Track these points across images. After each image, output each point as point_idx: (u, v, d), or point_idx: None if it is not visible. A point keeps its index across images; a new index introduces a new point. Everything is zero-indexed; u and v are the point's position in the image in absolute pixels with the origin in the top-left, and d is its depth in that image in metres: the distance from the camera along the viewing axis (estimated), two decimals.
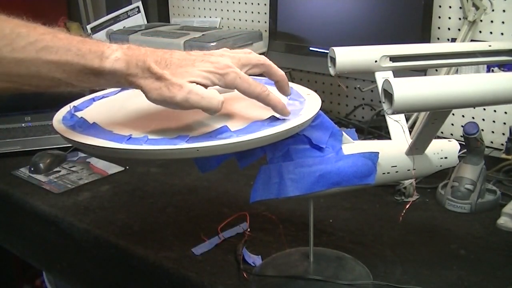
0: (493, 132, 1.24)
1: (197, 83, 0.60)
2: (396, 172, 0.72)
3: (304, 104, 0.69)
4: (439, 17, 1.27)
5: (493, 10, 1.17)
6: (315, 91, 0.75)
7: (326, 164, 0.67)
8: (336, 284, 0.73)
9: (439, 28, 1.27)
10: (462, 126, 1.15)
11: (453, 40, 1.25)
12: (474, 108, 1.24)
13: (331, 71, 0.80)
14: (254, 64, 0.65)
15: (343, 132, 0.71)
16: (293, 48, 1.44)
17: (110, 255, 0.89)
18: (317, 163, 0.67)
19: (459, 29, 1.23)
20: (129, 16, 1.77)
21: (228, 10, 1.74)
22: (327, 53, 0.80)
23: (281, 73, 0.67)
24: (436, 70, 1.23)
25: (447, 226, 0.90)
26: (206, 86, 0.61)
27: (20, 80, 0.60)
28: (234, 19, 1.73)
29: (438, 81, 0.62)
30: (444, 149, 0.75)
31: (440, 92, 0.60)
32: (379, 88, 0.62)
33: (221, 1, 1.75)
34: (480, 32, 1.20)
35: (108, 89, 0.73)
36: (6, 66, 0.59)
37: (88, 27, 1.73)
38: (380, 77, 0.78)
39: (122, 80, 0.61)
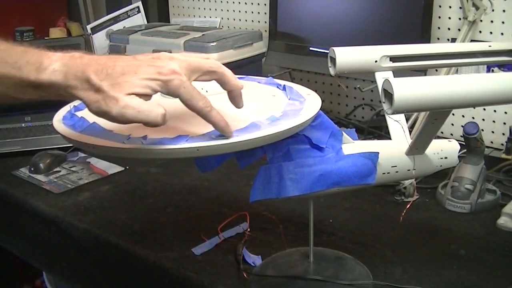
0: (493, 132, 1.24)
1: (136, 94, 0.56)
2: (396, 172, 0.72)
3: (304, 104, 0.69)
4: (439, 17, 1.27)
5: (493, 10, 1.17)
6: (315, 91, 0.75)
7: (326, 164, 0.67)
8: (336, 284, 0.73)
9: (439, 28, 1.27)
10: (462, 126, 1.15)
11: (453, 40, 1.25)
12: (474, 108, 1.24)
13: (331, 71, 0.80)
14: (205, 70, 0.61)
15: (343, 132, 0.71)
16: (293, 48, 1.44)
17: (110, 255, 0.89)
18: (317, 163, 0.67)
19: (459, 29, 1.23)
20: (129, 16, 1.77)
21: (228, 10, 1.74)
22: (327, 53, 0.80)
23: (234, 83, 0.63)
24: (436, 70, 1.23)
25: (447, 226, 0.90)
26: (147, 95, 0.57)
27: None
28: (234, 19, 1.73)
29: (438, 81, 0.62)
30: (444, 149, 0.75)
31: (440, 92, 0.60)
32: (379, 88, 0.62)
33: (221, 1, 1.75)
34: (480, 32, 1.20)
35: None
36: None
37: (88, 27, 1.73)
38: (380, 77, 0.78)
39: (62, 92, 0.58)
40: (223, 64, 0.63)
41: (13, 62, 0.57)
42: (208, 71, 0.61)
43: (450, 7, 1.25)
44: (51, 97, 0.59)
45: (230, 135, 0.60)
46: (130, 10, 1.77)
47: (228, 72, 0.63)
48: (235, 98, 0.64)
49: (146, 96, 0.57)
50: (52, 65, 0.57)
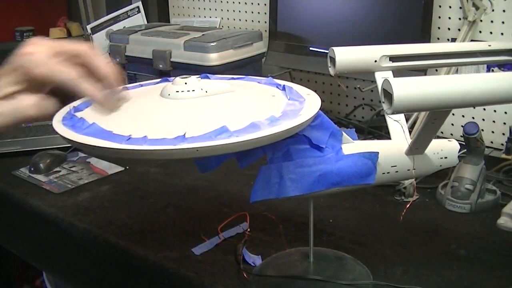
0: (493, 132, 1.23)
1: (5, 96, 0.54)
2: (396, 172, 0.72)
3: (304, 104, 0.69)
4: (439, 17, 1.27)
5: (493, 10, 1.17)
6: (315, 91, 0.74)
7: (326, 164, 0.67)
8: (336, 284, 0.73)
9: (439, 28, 1.27)
10: (462, 126, 1.15)
11: (453, 40, 1.25)
12: (474, 108, 1.24)
13: (331, 71, 0.80)
14: (69, 52, 0.56)
15: (343, 132, 0.71)
16: (293, 48, 1.44)
17: (110, 255, 0.89)
18: (317, 163, 0.67)
19: (459, 29, 1.23)
20: (129, 16, 1.77)
21: (228, 10, 1.74)
22: (327, 53, 0.80)
23: (105, 69, 0.57)
24: (436, 70, 1.23)
25: (447, 226, 0.90)
26: (17, 92, 0.55)
27: None
28: (234, 19, 1.73)
29: (438, 81, 0.62)
30: (444, 149, 0.75)
31: (440, 92, 0.60)
32: (379, 88, 0.62)
33: (221, 1, 1.75)
34: (480, 32, 1.20)
35: None
36: None
37: (88, 27, 1.73)
38: (380, 77, 0.78)
39: None
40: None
41: None
42: (73, 54, 0.57)
43: (450, 7, 1.25)
44: None
45: (103, 100, 0.57)
46: (130, 10, 1.77)
47: (98, 59, 0.57)
48: (110, 87, 0.58)
49: (16, 93, 0.54)
50: None
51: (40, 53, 0.54)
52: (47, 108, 0.55)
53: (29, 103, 0.54)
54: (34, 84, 0.55)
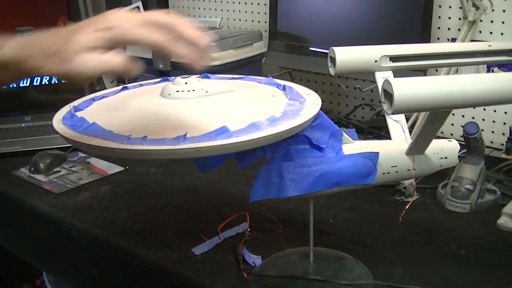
0: (493, 132, 1.23)
1: (89, 49, 0.56)
2: (396, 172, 0.72)
3: (304, 104, 0.69)
4: (439, 17, 1.27)
5: (493, 10, 1.17)
6: (315, 91, 0.75)
7: (326, 164, 0.67)
8: (336, 284, 0.73)
9: (439, 28, 1.27)
10: (462, 126, 1.15)
11: (453, 40, 1.25)
12: (474, 108, 1.24)
13: (331, 71, 0.80)
14: (157, 23, 0.59)
15: (343, 132, 0.71)
16: (293, 48, 1.44)
17: (110, 255, 0.89)
18: (317, 163, 0.67)
19: (459, 29, 1.23)
20: None
21: (228, 10, 1.74)
22: (327, 53, 0.80)
23: (193, 36, 0.59)
24: (436, 70, 1.23)
25: (447, 226, 0.90)
26: (99, 48, 0.57)
27: None
28: (234, 19, 1.73)
29: (438, 81, 0.62)
30: (444, 149, 0.75)
31: (440, 92, 0.60)
32: (379, 88, 0.62)
33: (221, 1, 1.75)
34: (480, 32, 1.20)
35: (17, 81, 0.68)
36: None
37: None
38: (380, 77, 0.78)
39: (20, 68, 0.58)
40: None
41: None
42: (160, 24, 0.59)
43: (450, 7, 1.25)
44: (9, 76, 0.60)
45: (200, 63, 0.58)
46: (130, 10, 1.77)
47: (185, 27, 0.59)
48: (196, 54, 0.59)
49: (99, 50, 0.57)
50: (9, 44, 0.59)
51: (131, 19, 0.57)
52: (132, 69, 0.58)
53: (121, 61, 0.57)
54: (118, 46, 0.58)
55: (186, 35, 0.59)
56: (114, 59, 0.57)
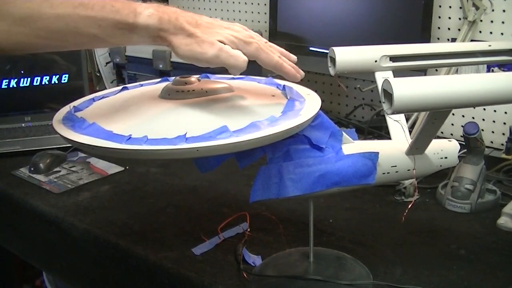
0: (493, 132, 1.24)
1: (226, 44, 0.64)
2: (396, 172, 0.72)
3: (304, 104, 0.69)
4: (439, 17, 1.27)
5: (493, 10, 1.17)
6: (315, 91, 0.75)
7: (326, 164, 0.67)
8: (336, 284, 0.73)
9: (439, 28, 1.27)
10: (462, 126, 1.15)
11: (453, 40, 1.25)
12: (474, 108, 1.24)
13: (331, 71, 0.80)
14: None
15: (343, 132, 0.71)
16: (293, 48, 1.44)
17: (110, 255, 0.89)
18: (317, 163, 0.67)
19: (459, 29, 1.23)
20: None
21: (228, 10, 1.74)
22: (327, 53, 0.80)
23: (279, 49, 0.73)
24: (436, 70, 1.23)
25: (447, 226, 0.90)
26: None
27: (59, 37, 0.64)
28: (234, 19, 1.73)
29: (438, 81, 0.62)
30: (444, 149, 0.75)
31: (440, 92, 0.60)
32: (379, 88, 0.62)
33: (221, 1, 1.75)
34: (480, 32, 1.21)
35: (139, 45, 0.74)
36: (46, 22, 0.62)
37: None
38: (380, 77, 0.78)
39: (154, 34, 0.64)
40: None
41: (111, 7, 0.63)
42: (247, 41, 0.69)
43: (450, 7, 1.25)
44: (142, 41, 0.66)
45: (299, 79, 0.71)
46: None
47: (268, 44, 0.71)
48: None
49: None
50: (147, 10, 0.63)
51: (261, 40, 0.69)
52: (245, 68, 0.66)
53: (245, 59, 0.65)
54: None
55: (285, 54, 0.72)
56: (241, 58, 0.65)
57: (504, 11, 1.17)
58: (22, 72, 1.40)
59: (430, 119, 0.67)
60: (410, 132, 0.76)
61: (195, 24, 0.65)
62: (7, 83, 1.40)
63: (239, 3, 1.70)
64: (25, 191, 1.08)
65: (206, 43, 0.63)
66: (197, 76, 0.76)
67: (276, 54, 0.69)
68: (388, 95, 0.59)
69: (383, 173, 0.71)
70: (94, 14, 0.63)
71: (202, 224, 0.91)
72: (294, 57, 0.74)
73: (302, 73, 0.71)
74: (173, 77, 0.73)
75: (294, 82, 0.71)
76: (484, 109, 1.23)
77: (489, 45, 0.83)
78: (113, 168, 1.17)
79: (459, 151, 0.76)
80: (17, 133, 1.34)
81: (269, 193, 0.67)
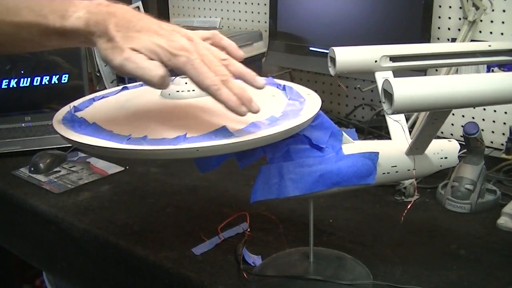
0: (493, 132, 1.24)
1: (141, 53, 0.58)
2: (396, 172, 0.72)
3: (304, 104, 0.69)
4: (439, 17, 1.27)
5: (493, 10, 1.17)
6: (315, 91, 0.75)
7: (326, 164, 0.67)
8: (336, 284, 0.73)
9: (439, 28, 1.27)
10: (462, 126, 1.15)
11: (453, 40, 1.25)
12: (474, 108, 1.24)
13: (331, 71, 0.80)
14: (204, 37, 0.65)
15: (343, 132, 0.71)
16: (293, 48, 1.44)
17: (110, 255, 0.89)
18: (317, 163, 0.67)
19: (459, 29, 1.23)
20: None
21: (228, 10, 1.74)
22: (327, 53, 0.80)
23: (230, 46, 0.67)
24: (436, 70, 1.23)
25: (447, 226, 0.90)
26: (151, 59, 0.59)
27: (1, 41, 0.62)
28: (234, 19, 1.73)
29: (438, 81, 0.62)
30: (444, 149, 0.75)
31: (440, 92, 0.60)
32: (379, 88, 0.62)
33: (221, 1, 1.75)
34: (480, 32, 1.20)
35: (74, 46, 0.68)
36: None
37: None
38: (380, 77, 0.78)
39: (83, 38, 0.61)
40: None
41: (39, 10, 0.60)
42: (206, 38, 0.65)
43: (450, 7, 1.25)
44: (73, 44, 0.63)
45: (243, 113, 0.59)
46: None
47: (224, 39, 0.67)
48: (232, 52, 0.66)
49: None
50: (77, 13, 0.60)
51: (194, 53, 0.59)
52: (166, 85, 0.60)
53: (160, 74, 0.58)
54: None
55: (231, 49, 0.66)
56: (154, 71, 0.58)
57: (504, 11, 1.17)
58: (22, 72, 1.40)
59: (430, 119, 0.67)
60: (410, 132, 0.76)
61: (124, 28, 0.59)
62: (7, 83, 1.40)
63: (239, 3, 1.70)
64: (25, 191, 1.08)
65: (117, 50, 0.58)
66: None
67: (212, 75, 0.59)
68: (388, 95, 0.59)
69: (383, 173, 0.71)
70: (20, 19, 0.60)
71: (202, 224, 0.91)
72: (240, 54, 0.67)
73: (248, 97, 0.60)
74: (173, 77, 0.73)
75: (235, 112, 0.59)
76: (484, 109, 1.23)
77: (489, 45, 0.83)
78: (113, 168, 1.17)
79: (459, 151, 0.76)
80: (17, 133, 1.34)
81: (269, 193, 0.67)
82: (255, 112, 0.60)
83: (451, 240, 0.85)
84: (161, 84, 0.59)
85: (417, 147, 0.72)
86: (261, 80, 0.62)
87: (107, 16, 0.60)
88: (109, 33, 0.59)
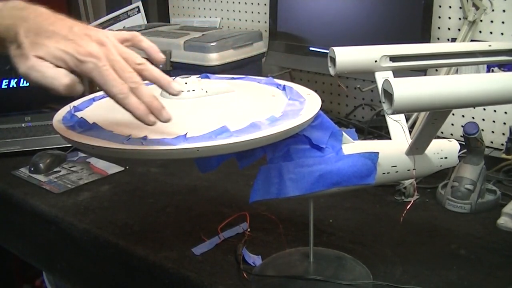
0: (493, 132, 1.23)
1: (47, 60, 0.57)
2: (396, 172, 0.72)
3: (304, 104, 0.69)
4: (439, 17, 1.27)
5: (493, 10, 1.17)
6: (315, 91, 0.75)
7: (326, 164, 0.67)
8: (336, 284, 0.73)
9: (439, 28, 1.27)
10: (462, 126, 1.15)
11: (453, 40, 1.25)
12: (474, 108, 1.24)
13: (331, 71, 0.80)
14: (122, 39, 0.63)
15: (343, 132, 0.71)
16: (293, 48, 1.44)
17: (110, 255, 0.89)
18: (317, 163, 0.67)
19: (459, 29, 1.23)
20: (129, 16, 1.77)
21: (228, 10, 1.74)
22: (327, 53, 0.80)
23: (148, 47, 0.65)
24: (436, 70, 1.23)
25: (447, 226, 0.90)
26: (58, 66, 0.57)
27: None
28: (234, 19, 1.73)
29: (438, 81, 0.62)
30: (444, 149, 0.75)
31: (440, 92, 0.60)
32: (379, 88, 0.62)
33: (221, 1, 1.75)
34: (480, 32, 1.20)
35: None
36: None
37: None
38: (380, 77, 0.78)
39: (5, 43, 0.58)
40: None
41: None
42: (124, 39, 0.63)
43: (450, 7, 1.25)
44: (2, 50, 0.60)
45: (152, 123, 0.59)
46: (130, 10, 1.77)
47: (144, 41, 0.65)
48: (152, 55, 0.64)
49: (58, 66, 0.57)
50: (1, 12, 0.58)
51: (110, 55, 0.57)
52: (76, 92, 0.58)
53: (65, 83, 0.57)
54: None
55: (151, 52, 0.63)
56: (59, 80, 0.56)
57: (504, 11, 1.17)
58: None
59: (430, 119, 0.67)
60: (410, 132, 0.76)
61: (33, 34, 0.57)
62: (7, 83, 1.40)
63: (239, 3, 1.70)
64: (25, 191, 1.08)
65: (23, 57, 0.56)
66: (197, 76, 0.76)
67: (120, 83, 0.57)
68: (388, 95, 0.59)
69: (383, 173, 0.71)
70: None
71: (202, 224, 0.91)
72: (160, 57, 0.64)
73: (158, 106, 0.58)
74: (173, 77, 0.73)
75: (143, 121, 0.59)
76: (484, 109, 1.23)
77: (489, 45, 0.83)
78: (113, 168, 1.17)
79: (459, 151, 0.76)
80: (17, 133, 1.34)
81: (269, 193, 0.67)
82: (165, 121, 0.59)
83: (451, 240, 0.85)
84: (69, 93, 0.57)
85: (417, 147, 0.72)
86: (176, 86, 0.62)
87: (18, 21, 0.57)
88: (18, 39, 0.57)
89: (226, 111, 0.68)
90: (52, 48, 0.57)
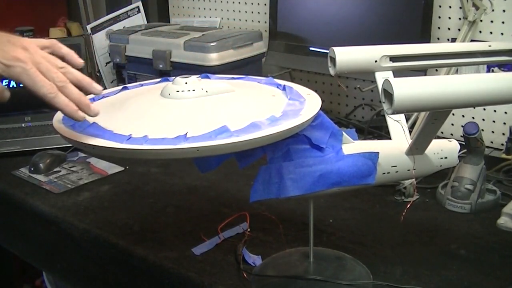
0: (493, 132, 1.24)
1: None
2: (396, 172, 0.72)
3: (304, 104, 0.69)
4: (439, 17, 1.27)
5: (493, 10, 1.17)
6: (315, 91, 0.75)
7: (326, 164, 0.67)
8: (336, 284, 0.73)
9: (439, 28, 1.27)
10: (462, 126, 1.15)
11: (453, 40, 1.25)
12: (474, 108, 1.24)
13: (331, 71, 0.80)
14: (43, 46, 0.66)
15: (343, 132, 0.71)
16: (293, 48, 1.44)
17: (110, 255, 0.89)
18: (317, 163, 0.67)
19: (459, 29, 1.23)
20: (129, 16, 1.77)
21: (228, 10, 1.74)
22: (327, 53, 0.80)
23: (68, 53, 0.69)
24: (436, 70, 1.23)
25: (447, 226, 0.90)
26: None
27: None
28: (234, 19, 1.73)
29: (438, 81, 0.62)
30: (444, 149, 0.75)
31: (440, 92, 0.60)
32: (379, 88, 0.62)
33: (221, 1, 1.75)
34: (480, 32, 1.20)
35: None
36: None
37: (88, 27, 1.73)
38: (380, 77, 0.78)
39: None
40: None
41: None
42: (44, 46, 0.66)
43: (450, 7, 1.25)
44: None
45: (81, 119, 0.62)
46: (130, 10, 1.77)
47: (63, 48, 0.69)
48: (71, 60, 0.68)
49: None
50: None
51: (37, 59, 0.60)
52: (3, 98, 0.61)
53: None
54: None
55: (63, 54, 0.67)
56: None
57: (504, 11, 1.17)
58: None
59: (430, 119, 0.67)
60: (410, 132, 0.76)
61: None
62: (7, 83, 1.40)
63: (239, 3, 1.70)
64: (25, 191, 1.08)
65: None
66: (197, 76, 0.76)
67: (48, 83, 0.61)
68: (388, 95, 0.59)
69: (383, 173, 0.71)
70: None
71: (202, 224, 0.91)
72: (79, 61, 0.69)
73: (86, 102, 0.63)
74: (173, 77, 0.73)
75: (72, 118, 0.63)
76: (484, 109, 1.23)
77: (489, 45, 0.83)
78: (113, 168, 1.17)
79: (459, 151, 0.76)
80: (17, 133, 1.34)
81: (269, 193, 0.67)
82: (94, 115, 0.63)
83: (451, 240, 0.85)
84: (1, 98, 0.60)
85: (417, 147, 0.72)
86: (98, 86, 0.65)
87: None
88: None
89: (226, 111, 0.68)
90: None
